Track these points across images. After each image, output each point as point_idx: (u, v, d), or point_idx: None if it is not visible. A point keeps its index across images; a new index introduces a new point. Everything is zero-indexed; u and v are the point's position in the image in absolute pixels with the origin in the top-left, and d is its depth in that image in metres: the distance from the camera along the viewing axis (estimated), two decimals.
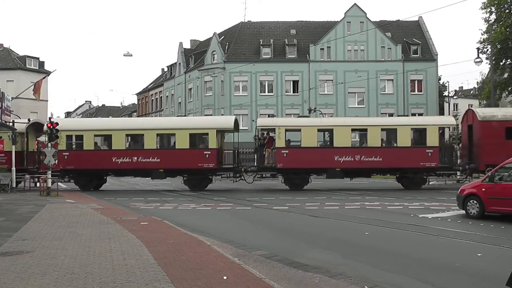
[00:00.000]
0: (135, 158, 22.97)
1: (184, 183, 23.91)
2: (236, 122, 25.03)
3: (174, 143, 23.94)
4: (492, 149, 21.65)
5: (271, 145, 23.47)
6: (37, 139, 26.97)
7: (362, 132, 23.99)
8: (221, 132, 24.23)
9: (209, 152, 22.79)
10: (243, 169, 24.07)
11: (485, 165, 22.17)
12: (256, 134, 25.11)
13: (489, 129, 22.44)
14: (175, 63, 57.96)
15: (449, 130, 25.62)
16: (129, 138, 24.62)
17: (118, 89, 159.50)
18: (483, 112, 23.63)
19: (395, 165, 22.94)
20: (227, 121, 25.16)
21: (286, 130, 23.18)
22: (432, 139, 22.74)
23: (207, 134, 23.29)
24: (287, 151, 22.83)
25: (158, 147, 23.76)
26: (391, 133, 23.77)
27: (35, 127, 25.79)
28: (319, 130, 23.77)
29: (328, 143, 24.11)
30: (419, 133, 23.55)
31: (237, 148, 24.28)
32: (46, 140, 21.06)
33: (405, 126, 23.30)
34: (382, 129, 23.53)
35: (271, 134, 23.68)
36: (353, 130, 23.79)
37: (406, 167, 22.92)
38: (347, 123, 24.35)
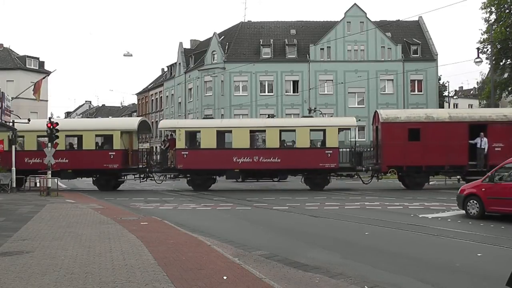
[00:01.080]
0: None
1: (93, 183, 24.42)
2: (144, 123, 25.85)
3: (82, 144, 24.48)
4: (394, 150, 21.82)
5: (174, 146, 23.76)
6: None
7: (261, 133, 24.21)
8: (128, 133, 24.81)
9: (114, 153, 23.33)
10: (147, 169, 24.74)
11: (387, 167, 22.61)
12: (166, 135, 25.90)
13: (392, 131, 22.58)
14: (175, 63, 57.96)
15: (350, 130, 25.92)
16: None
17: (118, 89, 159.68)
18: (386, 114, 23.71)
19: (294, 166, 23.07)
20: (131, 122, 25.54)
21: (186, 132, 23.57)
22: (332, 140, 22.86)
23: (111, 135, 23.81)
24: (187, 152, 23.17)
25: (68, 148, 24.66)
26: (290, 134, 23.95)
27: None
28: (218, 132, 23.81)
29: (227, 144, 24.44)
30: (318, 134, 23.85)
31: (149, 149, 24.83)
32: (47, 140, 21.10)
33: (304, 127, 23.41)
34: (281, 131, 23.74)
35: (175, 136, 24.05)
36: (251, 131, 23.92)
37: (305, 168, 23.06)
38: (245, 125, 24.89)
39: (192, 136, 24.33)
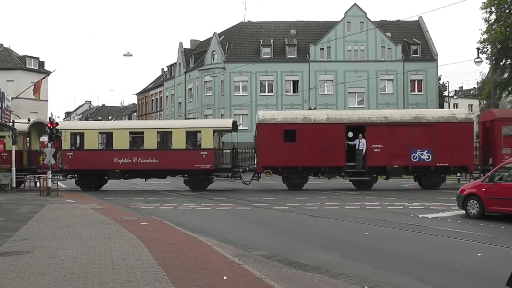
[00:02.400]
0: None
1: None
2: (37, 124, 26.15)
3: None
4: (269, 151, 21.95)
5: (60, 147, 24.08)
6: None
7: (139, 135, 24.39)
8: (24, 135, 25.10)
9: (6, 154, 23.80)
10: (38, 169, 25.11)
11: (262, 168, 22.93)
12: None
13: (267, 132, 22.75)
14: (175, 63, 57.96)
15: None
16: None
17: (118, 89, 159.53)
18: (264, 115, 23.93)
19: (171, 166, 23.26)
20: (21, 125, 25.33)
21: (71, 133, 23.94)
22: (207, 142, 23.10)
23: (3, 136, 24.14)
24: (71, 153, 23.51)
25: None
26: (166, 135, 24.20)
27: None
28: (100, 133, 24.36)
29: (108, 145, 24.60)
30: (194, 136, 23.97)
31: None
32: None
33: (180, 128, 23.75)
34: (158, 132, 24.06)
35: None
36: (131, 133, 24.27)
37: (182, 168, 23.44)
38: (125, 126, 25.84)
39: (76, 137, 24.50)
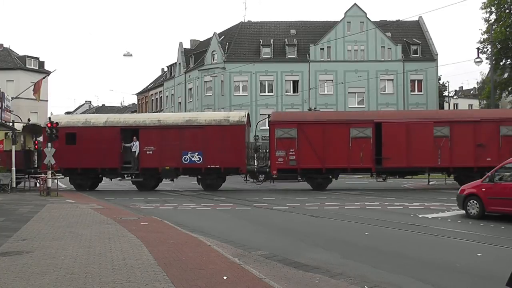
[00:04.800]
0: None
1: None
2: (31, 126, 26.17)
3: None
4: (56, 154, 21.62)
5: None
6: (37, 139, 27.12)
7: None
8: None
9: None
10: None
11: (58, 167, 23.21)
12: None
13: (59, 135, 22.35)
14: (175, 63, 57.96)
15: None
16: None
17: (118, 89, 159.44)
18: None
19: None
20: None
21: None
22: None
23: None
24: None
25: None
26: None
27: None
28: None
29: None
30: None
31: None
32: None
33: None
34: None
35: None
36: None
37: None
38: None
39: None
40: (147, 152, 23.20)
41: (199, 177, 24.01)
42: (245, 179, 24.38)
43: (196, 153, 23.04)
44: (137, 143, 23.24)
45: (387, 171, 23.41)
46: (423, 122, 23.25)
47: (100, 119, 24.81)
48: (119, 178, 23.96)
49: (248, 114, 26.28)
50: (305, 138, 22.84)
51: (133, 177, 23.88)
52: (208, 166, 23.01)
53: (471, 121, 22.94)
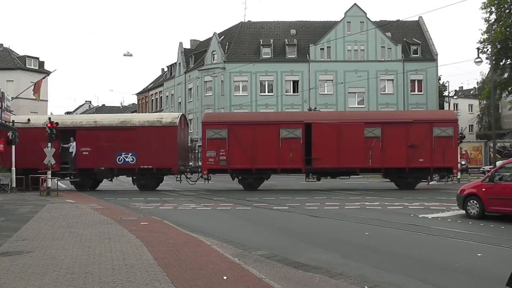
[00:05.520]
0: None
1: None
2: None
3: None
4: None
5: None
6: None
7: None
8: None
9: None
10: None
11: None
12: None
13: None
14: (175, 63, 57.98)
15: None
16: None
17: (118, 89, 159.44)
18: None
19: None
20: None
21: None
22: None
23: None
24: None
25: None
26: None
27: None
28: None
29: None
30: None
31: None
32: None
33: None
34: None
35: None
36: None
37: None
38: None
39: None
40: (84, 153, 23.67)
41: (134, 177, 24.50)
42: (177, 179, 24.83)
43: (130, 154, 23.61)
44: (74, 143, 23.71)
45: (317, 171, 23.52)
46: (354, 123, 23.51)
47: (40, 119, 24.85)
48: (57, 179, 23.77)
49: (183, 116, 27.05)
50: (235, 139, 23.17)
51: (71, 177, 24.17)
52: (141, 166, 23.55)
53: (403, 122, 23.19)
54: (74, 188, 24.26)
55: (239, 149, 23.00)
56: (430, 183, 25.79)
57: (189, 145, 27.89)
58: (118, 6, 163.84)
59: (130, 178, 25.35)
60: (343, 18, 48.16)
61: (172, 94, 57.94)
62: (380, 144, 22.72)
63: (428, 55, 48.37)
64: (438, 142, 22.52)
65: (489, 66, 37.75)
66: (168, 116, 25.34)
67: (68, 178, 24.44)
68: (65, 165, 23.80)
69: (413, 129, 22.75)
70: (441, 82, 52.84)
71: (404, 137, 22.62)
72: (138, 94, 72.47)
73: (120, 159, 23.61)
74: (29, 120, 25.38)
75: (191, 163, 26.90)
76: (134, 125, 24.11)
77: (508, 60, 38.75)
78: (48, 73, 46.46)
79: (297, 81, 47.92)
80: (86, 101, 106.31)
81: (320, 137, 22.91)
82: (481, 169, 36.88)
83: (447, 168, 23.24)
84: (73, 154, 23.65)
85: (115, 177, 25.81)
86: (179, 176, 24.60)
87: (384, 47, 47.70)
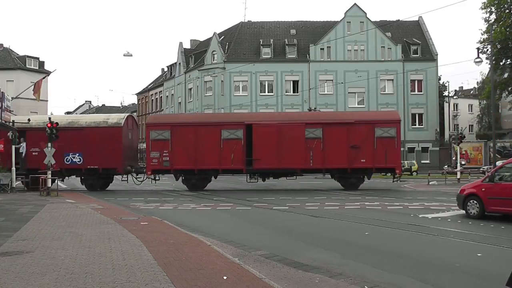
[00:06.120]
0: None
1: None
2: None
3: None
4: None
5: None
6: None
7: None
8: None
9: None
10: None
11: None
12: None
13: None
14: (175, 63, 57.97)
15: None
16: None
17: (118, 89, 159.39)
18: None
19: None
20: None
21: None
22: None
23: None
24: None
25: None
26: None
27: None
28: None
29: None
30: None
31: None
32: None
33: None
34: None
35: None
36: None
37: None
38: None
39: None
40: (33, 154, 23.79)
41: (81, 178, 24.74)
42: (123, 179, 25.01)
43: (77, 154, 23.96)
44: (24, 144, 23.93)
45: (258, 172, 23.65)
46: (295, 123, 23.61)
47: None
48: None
49: (131, 116, 27.40)
50: (178, 140, 23.42)
51: (21, 178, 24.05)
52: (88, 166, 23.91)
53: (344, 123, 23.29)
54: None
55: (182, 150, 23.32)
56: (430, 183, 25.80)
57: (139, 146, 28.37)
58: (118, 6, 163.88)
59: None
60: (343, 18, 48.16)
61: (172, 94, 57.94)
62: (321, 145, 22.87)
63: (428, 55, 48.36)
64: (380, 143, 22.66)
65: (489, 66, 37.77)
66: (115, 117, 25.60)
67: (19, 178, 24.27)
68: (18, 165, 23.75)
69: (354, 130, 22.88)
70: (441, 82, 52.89)
71: (346, 138, 22.76)
72: (138, 94, 72.46)
73: (68, 160, 23.90)
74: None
75: (141, 164, 27.25)
76: (81, 126, 24.47)
77: (508, 60, 38.76)
78: (48, 73, 46.45)
79: (297, 81, 47.91)
80: (86, 101, 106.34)
81: (260, 138, 23.11)
82: (481, 169, 36.91)
83: (390, 168, 23.33)
84: (23, 155, 23.88)
85: (66, 178, 25.98)
86: (125, 176, 24.85)
87: (384, 47, 47.70)
